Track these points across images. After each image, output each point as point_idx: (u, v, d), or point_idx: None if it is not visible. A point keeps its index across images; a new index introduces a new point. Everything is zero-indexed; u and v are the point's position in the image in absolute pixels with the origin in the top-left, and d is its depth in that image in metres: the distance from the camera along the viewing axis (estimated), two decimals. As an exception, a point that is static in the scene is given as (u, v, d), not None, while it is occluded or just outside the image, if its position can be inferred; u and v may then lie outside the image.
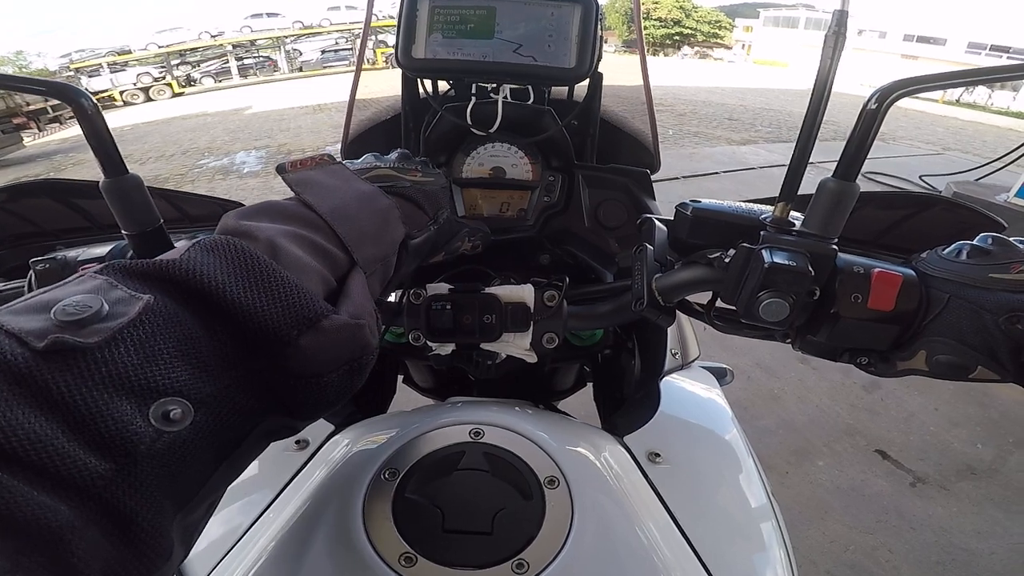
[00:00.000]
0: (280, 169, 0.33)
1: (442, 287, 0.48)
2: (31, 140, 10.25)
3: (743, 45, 35.62)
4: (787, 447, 1.76)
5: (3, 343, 0.17)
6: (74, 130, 11.51)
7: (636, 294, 0.42)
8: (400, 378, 0.84)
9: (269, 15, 22.29)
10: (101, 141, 0.36)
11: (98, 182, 0.43)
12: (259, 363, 0.22)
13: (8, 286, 0.42)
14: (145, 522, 0.18)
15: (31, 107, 10.18)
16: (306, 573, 0.34)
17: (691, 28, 38.84)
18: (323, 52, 23.27)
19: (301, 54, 23.26)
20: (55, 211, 0.56)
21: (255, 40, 22.29)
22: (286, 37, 22.53)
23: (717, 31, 39.11)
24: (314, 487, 0.41)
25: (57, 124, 11.25)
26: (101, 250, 0.39)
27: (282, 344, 0.22)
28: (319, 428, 0.48)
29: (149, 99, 16.48)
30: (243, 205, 0.55)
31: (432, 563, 0.33)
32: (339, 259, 0.29)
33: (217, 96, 15.06)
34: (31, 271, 0.39)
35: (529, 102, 0.64)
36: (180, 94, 17.47)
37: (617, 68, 0.76)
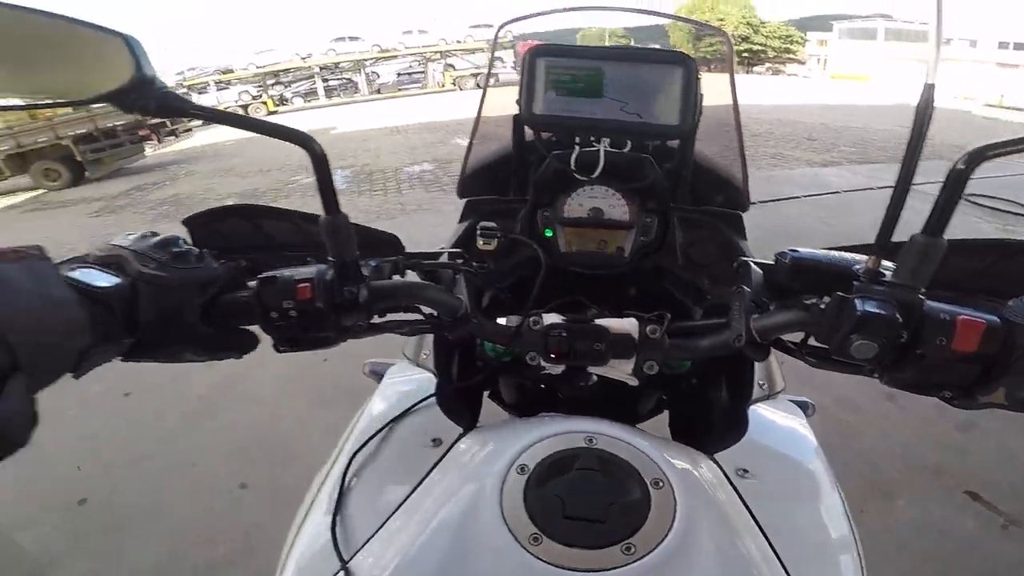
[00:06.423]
0: None
1: (556, 317, 0.55)
2: (151, 151, 11.37)
3: (818, 59, 33.56)
4: (865, 484, 1.70)
5: None
6: (185, 144, 12.82)
7: (735, 331, 0.46)
8: (486, 393, 0.90)
9: (351, 39, 23.68)
10: (325, 183, 0.41)
11: (268, 206, 0.54)
12: None
13: (239, 294, 0.45)
14: None
15: (153, 120, 11.04)
16: (452, 547, 0.41)
17: (760, 44, 37.26)
18: (398, 75, 24.50)
19: (379, 76, 24.58)
20: (243, 230, 0.65)
21: (339, 62, 23.87)
22: (366, 60, 23.87)
23: (789, 46, 37.32)
24: (456, 478, 0.48)
25: (173, 137, 12.37)
26: (308, 271, 0.43)
27: None
28: (450, 430, 0.55)
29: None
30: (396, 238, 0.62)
31: (555, 543, 0.39)
32: (2, 362, 0.30)
33: (305, 115, 16.26)
34: (256, 283, 0.43)
35: (626, 149, 0.69)
36: (274, 112, 19.09)
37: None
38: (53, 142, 9.45)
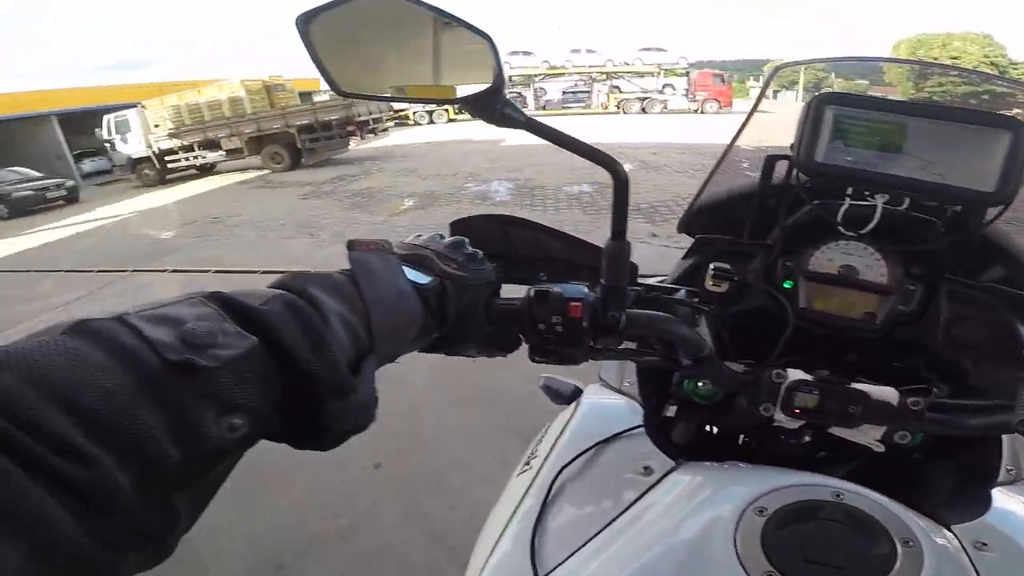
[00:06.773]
0: (350, 245, 0.36)
1: (800, 372, 0.53)
2: (353, 145, 13.26)
3: (1097, 109, 26.07)
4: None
5: (141, 348, 0.22)
6: (379, 142, 14.62)
7: (1019, 416, 0.45)
8: None
9: (524, 53, 24.50)
10: (620, 206, 0.42)
11: (525, 219, 0.57)
12: (302, 409, 0.28)
13: (510, 301, 0.47)
14: (172, 498, 0.23)
15: (360, 118, 12.42)
16: (677, 574, 0.42)
17: (1006, 87, 30.36)
18: (563, 93, 24.85)
19: (545, 92, 25.19)
20: (492, 236, 0.64)
21: (512, 76, 25.10)
22: (536, 75, 24.75)
23: (1047, 90, 29.84)
24: (677, 509, 0.49)
25: (373, 135, 14.21)
26: (578, 291, 0.45)
27: (320, 402, 0.28)
28: (660, 460, 0.57)
29: (432, 121, 20.47)
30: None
31: None
32: (364, 343, 0.33)
33: (478, 126, 17.66)
34: (530, 293, 0.45)
35: (903, 207, 0.62)
36: (453, 120, 21.15)
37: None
38: (283, 129, 11.52)
